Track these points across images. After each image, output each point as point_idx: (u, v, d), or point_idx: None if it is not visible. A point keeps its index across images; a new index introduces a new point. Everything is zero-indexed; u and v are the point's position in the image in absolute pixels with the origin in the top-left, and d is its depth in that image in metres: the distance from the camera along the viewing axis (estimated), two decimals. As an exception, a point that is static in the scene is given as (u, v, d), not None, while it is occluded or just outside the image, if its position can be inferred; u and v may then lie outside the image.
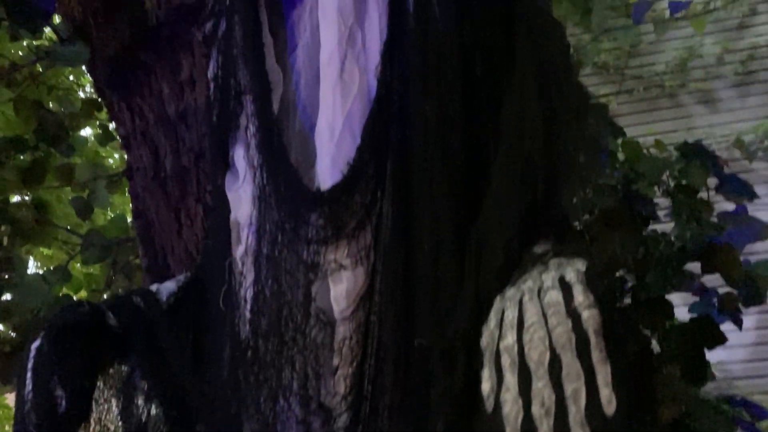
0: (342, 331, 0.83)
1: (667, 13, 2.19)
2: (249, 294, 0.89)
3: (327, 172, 0.88)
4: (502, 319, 0.70)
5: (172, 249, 1.58)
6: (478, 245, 0.79)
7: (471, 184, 0.85)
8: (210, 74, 1.15)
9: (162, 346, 0.99)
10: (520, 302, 0.70)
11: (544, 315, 0.67)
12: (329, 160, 0.88)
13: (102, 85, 1.71)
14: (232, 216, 0.95)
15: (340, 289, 0.83)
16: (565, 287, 0.67)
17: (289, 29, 1.03)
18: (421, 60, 0.89)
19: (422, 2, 0.93)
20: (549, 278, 0.70)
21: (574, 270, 0.69)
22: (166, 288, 1.10)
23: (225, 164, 0.99)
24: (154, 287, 1.10)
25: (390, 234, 0.84)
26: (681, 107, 6.50)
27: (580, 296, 0.66)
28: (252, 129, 0.94)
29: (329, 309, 0.84)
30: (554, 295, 0.67)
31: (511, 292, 0.72)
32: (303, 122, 0.97)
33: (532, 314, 0.67)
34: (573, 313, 0.65)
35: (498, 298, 0.73)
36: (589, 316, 0.65)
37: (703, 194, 1.38)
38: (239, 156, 0.96)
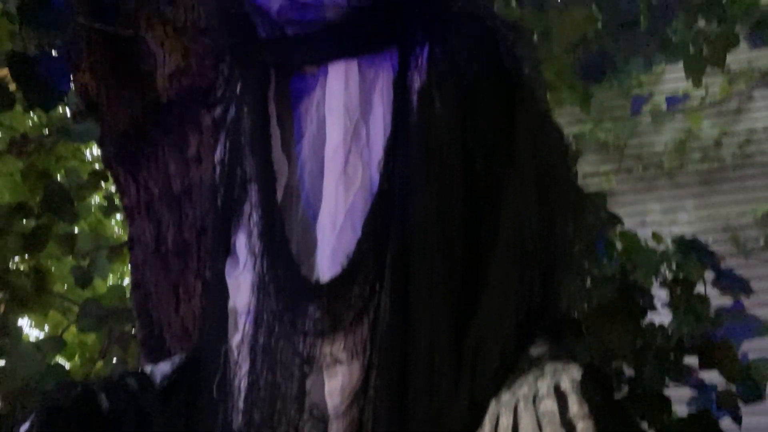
0: (335, 427, 0.82)
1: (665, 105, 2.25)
2: (243, 384, 0.88)
3: (326, 264, 0.89)
4: (497, 426, 0.70)
5: (168, 324, 1.58)
6: (474, 346, 0.79)
7: (469, 281, 0.85)
8: (217, 157, 1.18)
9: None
10: (515, 409, 0.70)
11: (539, 424, 0.66)
12: (329, 252, 0.89)
13: (110, 157, 1.74)
14: (231, 302, 0.96)
15: (335, 383, 0.83)
16: (560, 396, 0.68)
17: (296, 119, 1.06)
18: (423, 157, 0.91)
19: (425, 100, 0.96)
20: (544, 386, 0.70)
21: (569, 378, 0.69)
22: (161, 370, 1.09)
23: (226, 250, 1.00)
24: (148, 369, 1.09)
25: (387, 329, 0.85)
26: (680, 188, 6.58)
27: (575, 406, 0.66)
28: (255, 217, 0.96)
29: (323, 404, 0.84)
30: (549, 404, 0.67)
31: (506, 397, 0.72)
32: (306, 210, 0.99)
33: (526, 423, 0.67)
34: (568, 424, 0.65)
35: (493, 403, 0.73)
36: (584, 428, 0.64)
37: (699, 288, 1.39)
38: (241, 243, 0.98)
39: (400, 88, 0.97)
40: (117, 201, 2.09)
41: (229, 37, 1.07)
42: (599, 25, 2.42)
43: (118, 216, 2.43)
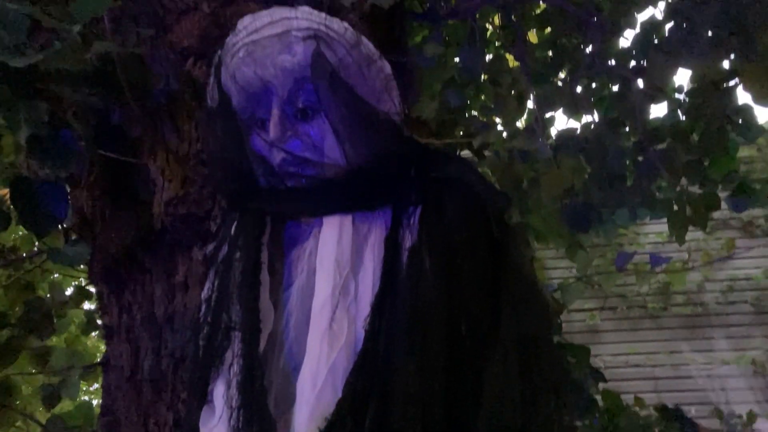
0: None
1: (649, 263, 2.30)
2: None
3: (304, 424, 0.87)
4: None
5: (134, 455, 1.52)
6: None
7: None
8: (204, 294, 1.18)
9: None
10: None
11: None
12: (308, 412, 0.87)
13: (96, 275, 1.74)
14: (203, 455, 0.93)
15: None
16: None
17: (287, 267, 1.07)
18: (408, 320, 0.92)
19: (415, 259, 0.97)
20: None
21: None
22: None
23: (203, 397, 0.98)
24: None
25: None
26: (663, 329, 6.58)
27: None
28: (236, 368, 0.95)
29: None
30: None
31: None
32: (288, 362, 0.98)
33: None
34: None
35: None
36: None
37: (681, 459, 1.36)
38: (219, 392, 0.96)
39: (392, 245, 0.99)
40: (98, 319, 2.07)
41: (230, 182, 1.09)
42: (586, 176, 2.50)
43: (95, 333, 2.39)
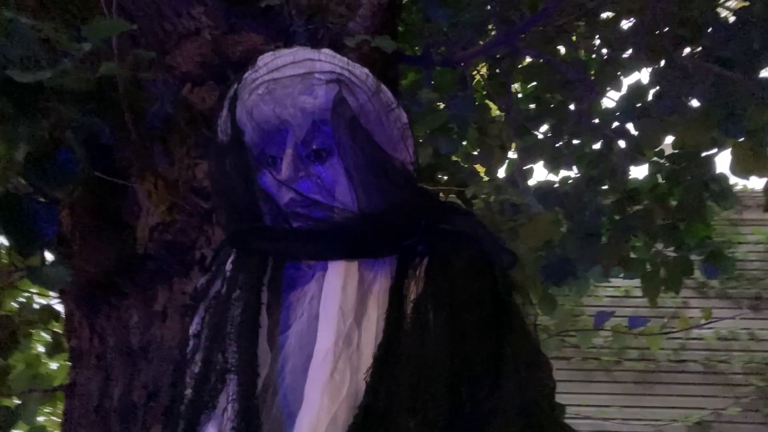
0: None
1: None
2: None
3: (302, 478, 0.84)
4: None
5: (94, 490, 1.45)
6: None
7: None
8: (192, 329, 1.14)
9: None
10: None
11: None
12: (307, 465, 0.85)
13: (69, 296, 1.68)
14: (189, 503, 0.89)
15: None
16: None
17: (284, 309, 1.04)
18: (411, 375, 0.90)
19: (420, 312, 0.96)
20: None
21: None
22: None
23: (191, 440, 0.95)
24: None
25: None
26: (616, 383, 6.64)
27: None
28: (230, 412, 0.91)
29: None
30: None
31: None
32: (281, 408, 0.95)
33: None
34: None
35: None
36: None
37: None
38: (210, 437, 0.92)
39: (397, 295, 0.98)
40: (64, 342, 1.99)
41: (235, 219, 1.07)
42: (564, 230, 2.53)
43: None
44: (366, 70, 1.05)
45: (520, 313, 1.00)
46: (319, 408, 0.88)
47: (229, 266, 1.11)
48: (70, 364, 1.72)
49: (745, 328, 6.68)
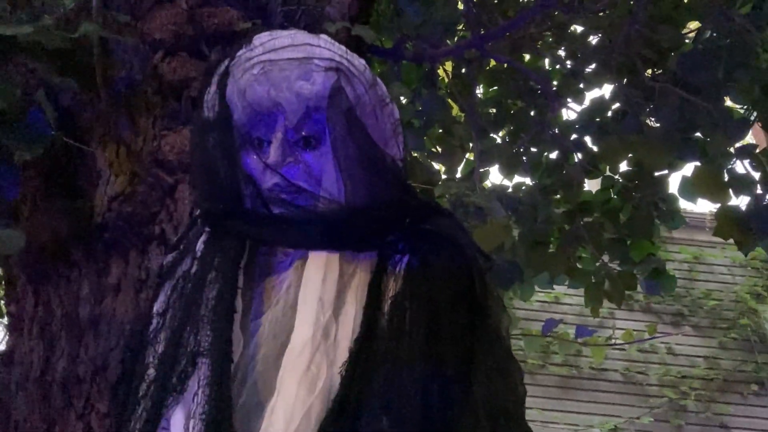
0: None
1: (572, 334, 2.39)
2: None
3: (274, 469, 0.83)
4: None
5: (30, 463, 1.39)
6: None
7: None
8: (156, 308, 1.11)
9: None
10: None
11: None
12: (278, 457, 0.83)
13: (13, 260, 1.61)
14: (152, 487, 0.86)
15: None
16: None
17: (257, 293, 1.02)
18: (385, 373, 0.90)
19: (397, 310, 0.96)
20: None
21: None
22: None
23: (155, 422, 0.92)
24: None
25: None
26: (539, 386, 6.81)
27: None
28: (201, 398, 0.89)
29: None
30: None
31: None
32: (249, 397, 0.93)
33: None
34: None
35: None
36: None
37: None
38: (177, 420, 0.90)
39: (375, 291, 0.97)
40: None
41: (212, 198, 1.04)
42: (515, 235, 2.57)
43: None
44: (363, 62, 1.03)
45: (495, 318, 1.01)
46: (294, 399, 0.87)
47: (200, 246, 1.08)
48: (7, 330, 1.65)
49: (664, 343, 6.94)
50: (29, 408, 1.44)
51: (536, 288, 2.67)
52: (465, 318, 0.98)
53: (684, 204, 2.48)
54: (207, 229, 1.08)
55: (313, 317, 0.93)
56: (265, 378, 0.94)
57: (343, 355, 0.92)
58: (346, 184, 0.99)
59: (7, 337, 1.66)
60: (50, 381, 1.43)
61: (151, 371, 1.00)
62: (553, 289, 2.96)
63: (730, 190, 1.83)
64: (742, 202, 1.98)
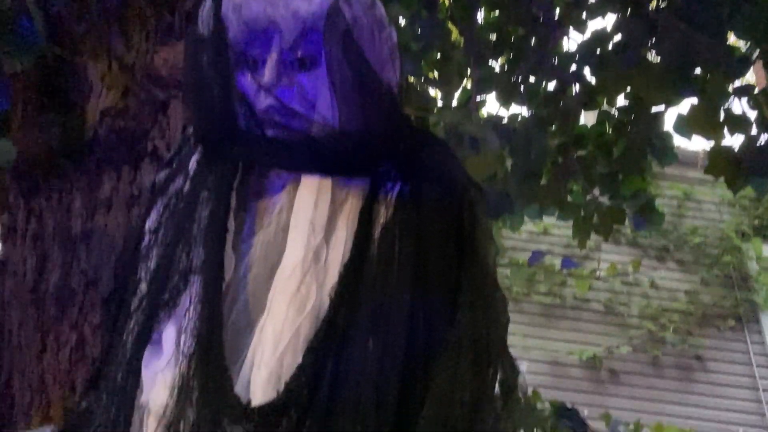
0: None
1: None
2: (140, 493, 0.82)
3: (260, 386, 0.85)
4: None
5: (23, 370, 1.43)
6: None
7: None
8: (148, 224, 1.11)
9: None
10: None
11: None
12: (266, 374, 0.86)
13: (6, 172, 1.60)
14: (143, 397, 0.89)
15: None
16: None
17: (250, 215, 1.03)
18: (373, 299, 0.92)
19: (387, 237, 0.97)
20: None
21: None
22: (28, 442, 0.99)
23: (146, 336, 0.94)
24: (14, 438, 0.99)
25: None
26: (523, 314, 6.96)
27: None
28: (193, 314, 0.91)
29: None
30: None
31: None
32: (240, 316, 0.95)
33: None
34: None
35: None
36: None
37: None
38: (169, 334, 0.92)
39: (366, 217, 0.98)
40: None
41: (206, 117, 1.03)
42: (508, 166, 2.58)
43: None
44: None
45: (483, 250, 1.02)
46: (284, 319, 0.89)
47: (193, 165, 1.08)
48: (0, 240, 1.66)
49: (647, 276, 7.06)
50: (21, 316, 1.47)
51: (525, 219, 2.70)
52: (453, 248, 0.99)
53: (677, 141, 2.48)
54: (200, 148, 1.08)
55: (304, 240, 0.94)
56: (255, 298, 0.95)
57: (332, 278, 0.94)
58: (340, 108, 0.98)
59: (2, 248, 1.68)
60: (43, 292, 1.46)
61: (143, 286, 1.01)
62: (541, 220, 2.99)
63: (725, 129, 1.83)
64: (735, 141, 1.99)
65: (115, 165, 1.49)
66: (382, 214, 0.98)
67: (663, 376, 6.63)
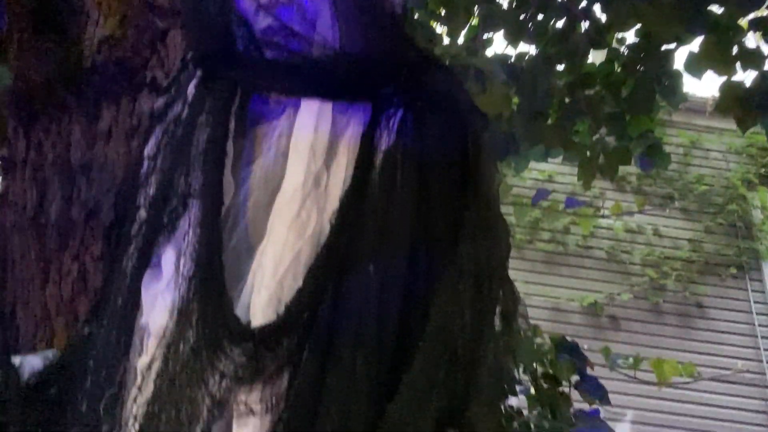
0: (234, 479, 0.79)
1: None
2: (141, 412, 0.82)
3: (261, 308, 0.85)
4: None
5: (26, 301, 1.43)
6: (391, 429, 0.79)
7: (395, 362, 0.85)
8: (147, 151, 1.10)
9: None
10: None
11: None
12: (266, 296, 0.86)
13: (4, 102, 1.58)
14: (143, 319, 0.89)
15: (243, 434, 0.80)
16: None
17: (249, 140, 1.02)
18: (375, 225, 0.91)
19: (389, 162, 0.96)
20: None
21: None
22: (30, 364, 1.00)
23: (146, 260, 0.94)
24: (17, 359, 0.99)
25: (305, 389, 0.83)
26: (525, 260, 6.98)
27: None
28: (192, 237, 0.90)
29: (226, 452, 0.80)
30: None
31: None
32: (240, 241, 0.95)
33: None
34: None
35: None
36: None
37: (565, 388, 1.47)
38: (168, 258, 0.92)
39: (368, 143, 0.97)
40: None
41: (204, 40, 1.01)
42: (514, 107, 2.54)
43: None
44: None
45: (486, 178, 1.01)
46: (284, 243, 0.88)
47: (192, 89, 1.06)
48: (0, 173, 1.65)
49: (650, 224, 7.04)
50: (23, 247, 1.46)
51: (530, 161, 2.67)
52: (456, 175, 0.98)
53: (686, 88, 2.43)
54: (198, 73, 1.06)
55: (305, 165, 0.93)
56: (255, 223, 0.95)
57: (333, 204, 0.93)
58: (341, 28, 0.96)
59: (1, 180, 1.67)
60: (44, 223, 1.45)
61: (143, 212, 1.01)
62: (547, 162, 2.96)
63: (737, 64, 1.79)
64: (747, 78, 1.94)
65: (114, 95, 1.46)
66: (384, 141, 0.97)
67: (663, 322, 6.67)
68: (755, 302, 6.69)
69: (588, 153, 2.44)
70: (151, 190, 1.01)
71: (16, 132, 1.55)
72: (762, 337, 6.48)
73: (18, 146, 1.54)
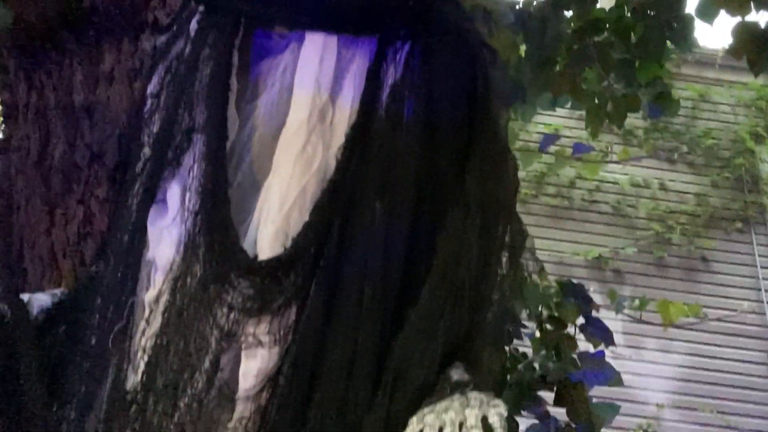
0: (242, 409, 0.79)
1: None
2: (149, 344, 0.83)
3: (267, 242, 0.85)
4: (418, 443, 0.71)
5: (33, 244, 1.44)
6: (397, 364, 0.80)
7: (402, 296, 0.85)
8: (150, 89, 1.09)
9: (19, 370, 0.90)
10: (440, 431, 0.71)
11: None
12: (273, 230, 0.85)
13: (4, 45, 1.56)
14: (150, 254, 0.89)
15: (252, 365, 0.80)
16: (488, 429, 0.70)
17: (253, 77, 1.00)
18: (382, 159, 0.90)
19: (396, 97, 0.94)
20: (472, 415, 0.71)
21: (497, 413, 0.71)
22: (39, 302, 1.00)
23: (152, 195, 0.93)
24: (25, 297, 1.00)
25: (312, 322, 0.83)
26: (530, 215, 6.98)
27: (502, 441, 0.68)
28: (197, 171, 0.89)
29: (234, 383, 0.80)
30: (479, 436, 0.69)
31: (430, 418, 0.73)
32: (245, 177, 0.94)
33: (452, 448, 0.68)
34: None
35: (414, 420, 0.74)
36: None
37: (570, 330, 1.48)
38: (174, 193, 0.91)
39: (374, 77, 0.95)
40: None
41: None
42: (522, 53, 2.50)
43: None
44: None
45: (494, 112, 0.99)
46: (290, 178, 0.87)
47: (194, 25, 1.03)
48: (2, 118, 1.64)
49: (657, 178, 7.02)
50: (28, 192, 1.47)
51: (538, 110, 2.64)
52: (464, 111, 0.96)
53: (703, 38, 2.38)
54: (201, 8, 1.04)
55: (310, 99, 0.91)
56: (261, 158, 0.94)
57: (339, 139, 0.91)
58: (346, -44, 0.93)
59: (3, 125, 1.66)
60: (48, 167, 1.44)
61: (147, 150, 1.00)
62: (554, 110, 2.93)
63: (752, 3, 1.75)
64: (762, 19, 1.89)
65: (116, 37, 1.45)
66: (391, 75, 0.95)
67: (667, 276, 6.70)
68: (760, 256, 6.70)
69: (596, 100, 2.41)
70: (155, 128, 1.00)
71: (17, 76, 1.54)
72: (766, 291, 6.50)
73: (18, 88, 1.53)
